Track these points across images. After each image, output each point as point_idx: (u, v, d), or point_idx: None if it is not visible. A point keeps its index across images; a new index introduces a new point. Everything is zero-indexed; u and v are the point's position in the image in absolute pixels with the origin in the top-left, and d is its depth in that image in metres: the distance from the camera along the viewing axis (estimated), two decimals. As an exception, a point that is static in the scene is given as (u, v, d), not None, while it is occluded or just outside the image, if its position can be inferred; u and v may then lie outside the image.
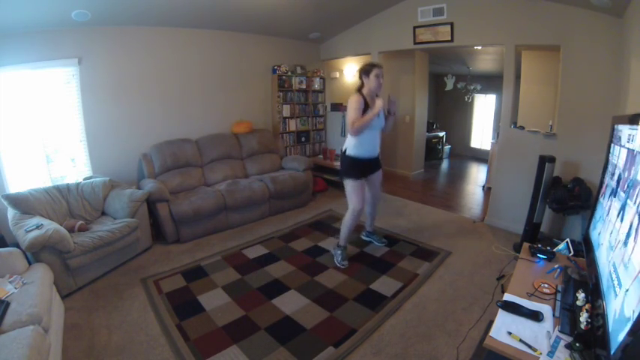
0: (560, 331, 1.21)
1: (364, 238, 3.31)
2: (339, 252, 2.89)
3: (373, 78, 2.56)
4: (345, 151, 2.76)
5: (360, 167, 2.75)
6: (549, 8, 3.04)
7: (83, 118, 3.41)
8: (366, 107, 2.57)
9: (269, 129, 4.97)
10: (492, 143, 5.31)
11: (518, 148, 3.51)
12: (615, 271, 1.13)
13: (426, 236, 3.46)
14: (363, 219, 3.19)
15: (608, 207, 1.46)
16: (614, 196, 1.39)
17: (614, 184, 1.44)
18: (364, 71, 2.61)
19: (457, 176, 6.48)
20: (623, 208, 1.22)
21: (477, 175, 6.52)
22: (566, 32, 2.98)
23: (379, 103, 2.50)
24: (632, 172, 1.20)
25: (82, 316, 2.24)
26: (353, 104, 2.55)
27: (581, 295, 1.32)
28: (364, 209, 2.81)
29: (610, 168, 1.57)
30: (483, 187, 5.43)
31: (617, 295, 1.05)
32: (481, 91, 7.34)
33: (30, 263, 2.23)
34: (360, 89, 2.66)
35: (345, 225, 2.82)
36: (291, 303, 2.36)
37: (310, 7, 3.99)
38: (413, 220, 3.93)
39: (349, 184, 2.75)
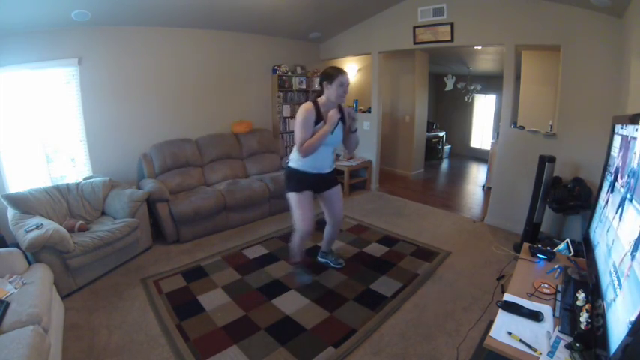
0: (560, 331, 1.21)
1: (320, 259, 2.89)
2: (298, 270, 2.63)
3: (335, 86, 2.13)
4: (289, 163, 2.38)
5: (305, 180, 2.32)
6: (549, 8, 3.04)
7: (83, 118, 3.41)
8: (318, 119, 2.16)
9: (269, 129, 4.97)
10: (492, 143, 5.31)
11: (518, 148, 3.51)
12: (615, 271, 1.13)
13: (426, 236, 3.46)
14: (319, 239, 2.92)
15: (607, 207, 1.46)
16: (613, 194, 1.39)
17: (615, 183, 1.44)
18: (326, 76, 2.16)
19: (457, 176, 6.48)
20: (621, 206, 1.22)
21: (477, 175, 6.52)
22: (566, 32, 2.98)
23: (332, 115, 2.10)
24: (633, 171, 1.20)
25: (82, 316, 2.24)
26: (301, 119, 2.11)
27: (581, 295, 1.32)
28: (311, 232, 2.35)
29: (610, 168, 1.57)
30: (483, 187, 5.44)
31: (617, 295, 1.05)
32: (481, 91, 7.34)
33: (30, 263, 2.24)
34: (316, 97, 2.25)
35: (294, 243, 2.51)
36: (291, 303, 2.36)
37: (310, 7, 3.99)
38: (413, 220, 3.93)
39: (292, 198, 2.34)
